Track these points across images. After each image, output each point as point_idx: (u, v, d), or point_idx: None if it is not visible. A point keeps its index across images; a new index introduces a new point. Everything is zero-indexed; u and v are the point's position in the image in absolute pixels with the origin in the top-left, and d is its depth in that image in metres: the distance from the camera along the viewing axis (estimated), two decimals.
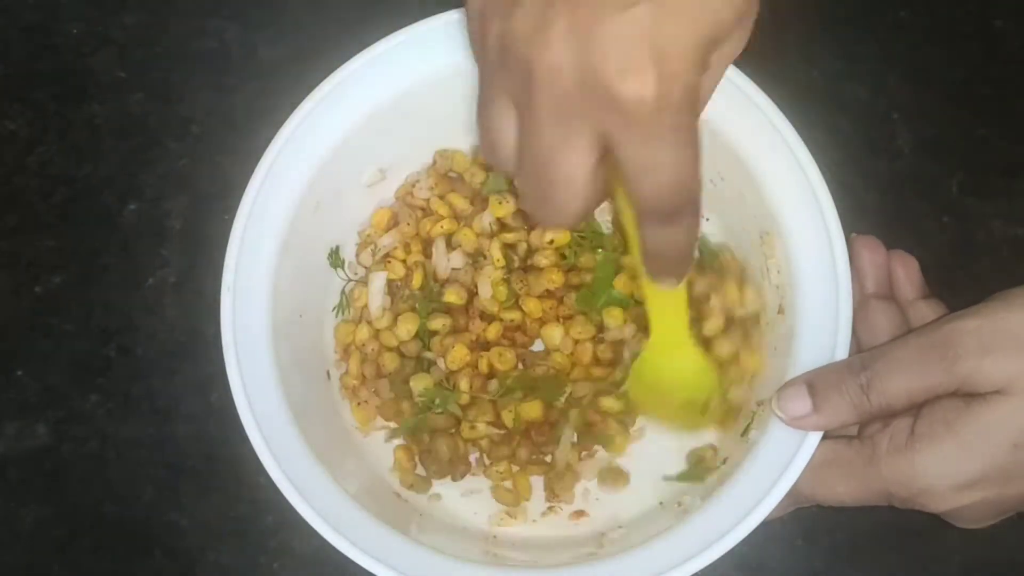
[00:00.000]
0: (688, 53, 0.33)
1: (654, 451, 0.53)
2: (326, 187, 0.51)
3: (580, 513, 0.52)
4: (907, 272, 0.49)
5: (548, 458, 0.53)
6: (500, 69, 0.35)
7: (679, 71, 0.33)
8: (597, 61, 0.32)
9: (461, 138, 0.55)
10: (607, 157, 0.35)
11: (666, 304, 0.45)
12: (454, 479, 0.53)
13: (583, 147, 0.34)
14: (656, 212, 0.36)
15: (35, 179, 0.62)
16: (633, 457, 0.53)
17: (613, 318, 0.52)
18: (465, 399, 0.52)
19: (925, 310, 0.48)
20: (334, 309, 0.55)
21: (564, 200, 0.36)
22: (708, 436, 0.52)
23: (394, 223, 0.55)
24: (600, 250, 0.54)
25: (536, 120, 0.34)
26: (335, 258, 0.54)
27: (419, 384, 0.52)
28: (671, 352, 0.47)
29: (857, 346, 0.47)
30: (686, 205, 0.36)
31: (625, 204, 0.38)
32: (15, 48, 0.64)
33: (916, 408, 0.42)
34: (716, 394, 0.49)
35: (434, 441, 0.52)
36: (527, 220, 0.53)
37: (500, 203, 0.53)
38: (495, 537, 0.52)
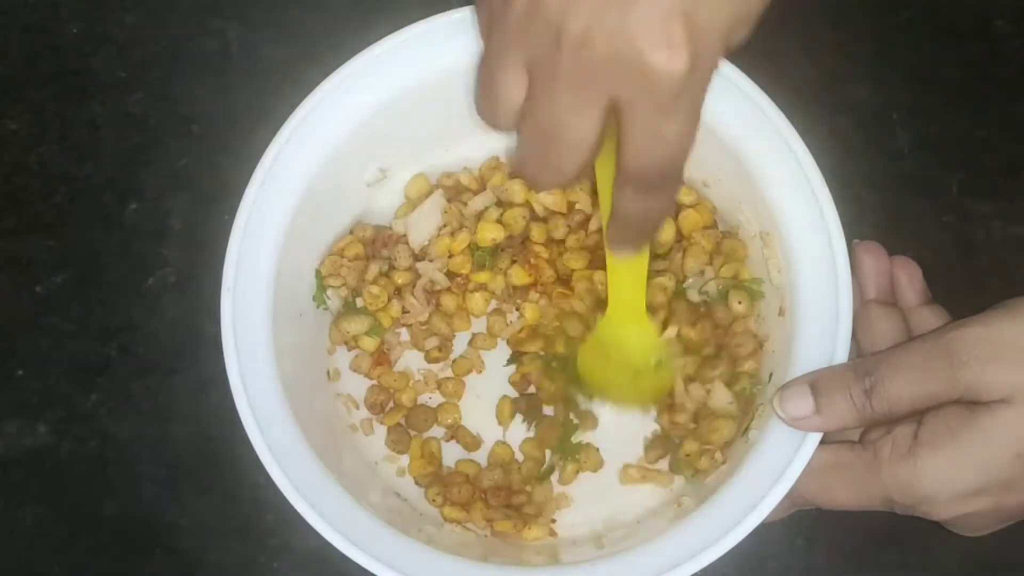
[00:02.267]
0: (720, 33, 0.34)
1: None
2: (326, 187, 0.50)
3: None
4: (910, 278, 0.48)
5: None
6: (522, 32, 0.35)
7: (710, 49, 0.33)
8: (633, 32, 0.32)
9: (461, 138, 0.55)
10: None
11: (626, 274, 0.45)
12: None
13: (597, 113, 0.35)
14: (644, 180, 0.36)
15: (35, 179, 0.62)
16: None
17: None
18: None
19: (927, 316, 0.47)
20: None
21: (567, 161, 0.36)
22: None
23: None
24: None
25: (555, 84, 0.34)
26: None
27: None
28: (626, 323, 0.48)
29: (857, 352, 0.47)
30: (674, 177, 0.37)
31: (607, 166, 0.38)
32: (15, 48, 0.64)
33: (918, 415, 0.42)
34: (664, 368, 0.49)
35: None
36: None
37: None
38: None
